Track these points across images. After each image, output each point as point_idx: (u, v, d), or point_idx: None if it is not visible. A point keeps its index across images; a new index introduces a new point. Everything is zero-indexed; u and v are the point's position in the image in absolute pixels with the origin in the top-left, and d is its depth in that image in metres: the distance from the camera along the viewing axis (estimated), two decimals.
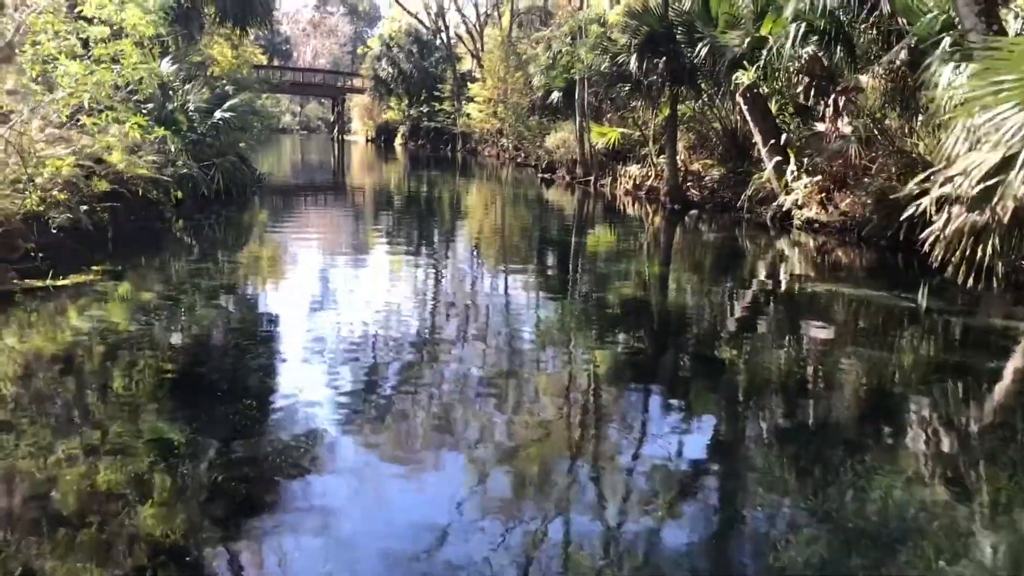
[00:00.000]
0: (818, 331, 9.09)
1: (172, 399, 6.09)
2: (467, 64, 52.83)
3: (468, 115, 45.73)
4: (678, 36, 19.33)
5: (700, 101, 21.43)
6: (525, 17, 49.04)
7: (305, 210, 21.27)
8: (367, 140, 66.64)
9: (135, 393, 6.20)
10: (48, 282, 9.22)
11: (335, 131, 69.24)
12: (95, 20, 11.20)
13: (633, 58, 19.44)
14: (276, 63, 76.49)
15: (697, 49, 18.09)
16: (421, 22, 57.77)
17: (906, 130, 14.30)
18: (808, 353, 8.17)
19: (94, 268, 10.17)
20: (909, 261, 13.09)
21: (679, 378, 7.51)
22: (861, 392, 6.93)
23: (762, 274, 13.05)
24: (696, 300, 10.91)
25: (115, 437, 5.27)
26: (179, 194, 15.71)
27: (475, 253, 15.21)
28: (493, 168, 40.16)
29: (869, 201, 14.60)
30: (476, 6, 54.34)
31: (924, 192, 12.51)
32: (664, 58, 19.15)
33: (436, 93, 52.44)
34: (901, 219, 12.97)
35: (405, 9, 58.03)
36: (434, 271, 12.78)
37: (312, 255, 13.77)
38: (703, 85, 20.09)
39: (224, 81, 20.17)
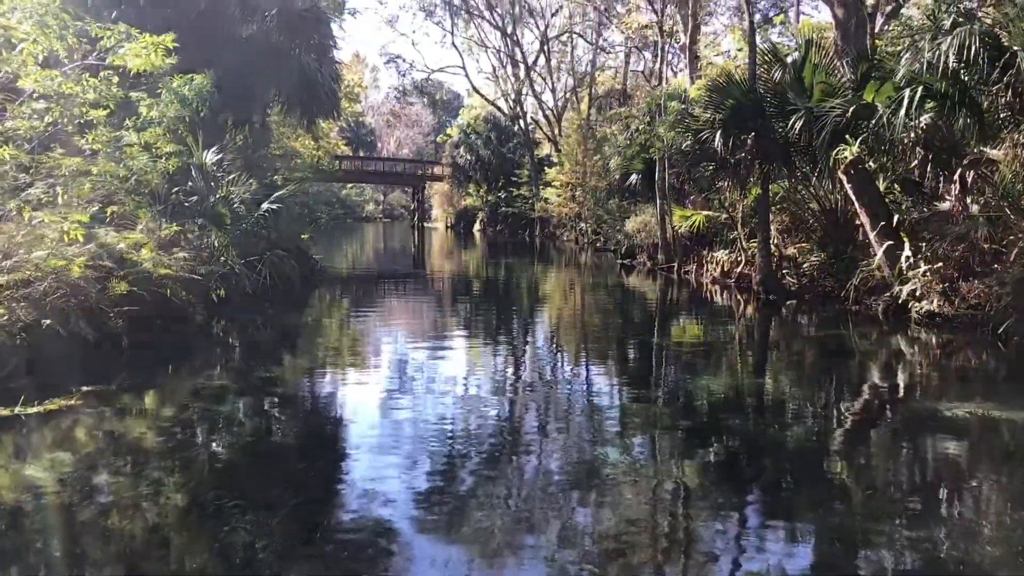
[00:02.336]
0: (967, 487, 6.89)
1: None
2: (545, 149, 52.08)
3: (546, 199, 44.65)
4: (768, 109, 17.52)
5: (794, 179, 19.40)
6: (604, 101, 48.12)
7: (370, 302, 19.80)
8: (447, 227, 66.31)
9: None
10: (18, 409, 7.75)
11: (415, 218, 69.21)
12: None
13: (718, 134, 17.65)
14: (361, 154, 77.71)
15: (790, 122, 16.21)
16: (499, 109, 57.52)
17: None
18: (954, 520, 6.00)
19: (85, 388, 8.69)
20: None
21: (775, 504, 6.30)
22: None
23: (878, 382, 10.82)
24: (797, 413, 8.77)
25: None
26: (221, 292, 14.47)
27: (550, 349, 13.71)
28: (571, 253, 38.63)
29: (1005, 292, 12.31)
30: (553, 92, 53.84)
31: None
32: (753, 134, 17.32)
33: (514, 178, 51.64)
34: None
35: (483, 97, 57.95)
36: (510, 369, 11.55)
37: (367, 364, 12.04)
38: (797, 162, 18.12)
39: (277, 171, 19.08)
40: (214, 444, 7.35)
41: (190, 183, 15.24)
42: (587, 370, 11.76)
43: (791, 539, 5.52)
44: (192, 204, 15.01)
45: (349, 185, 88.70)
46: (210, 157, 15.30)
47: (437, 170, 64.63)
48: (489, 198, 56.51)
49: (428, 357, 12.40)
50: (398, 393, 9.69)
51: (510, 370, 11.50)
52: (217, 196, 15.03)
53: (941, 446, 7.67)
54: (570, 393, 10.09)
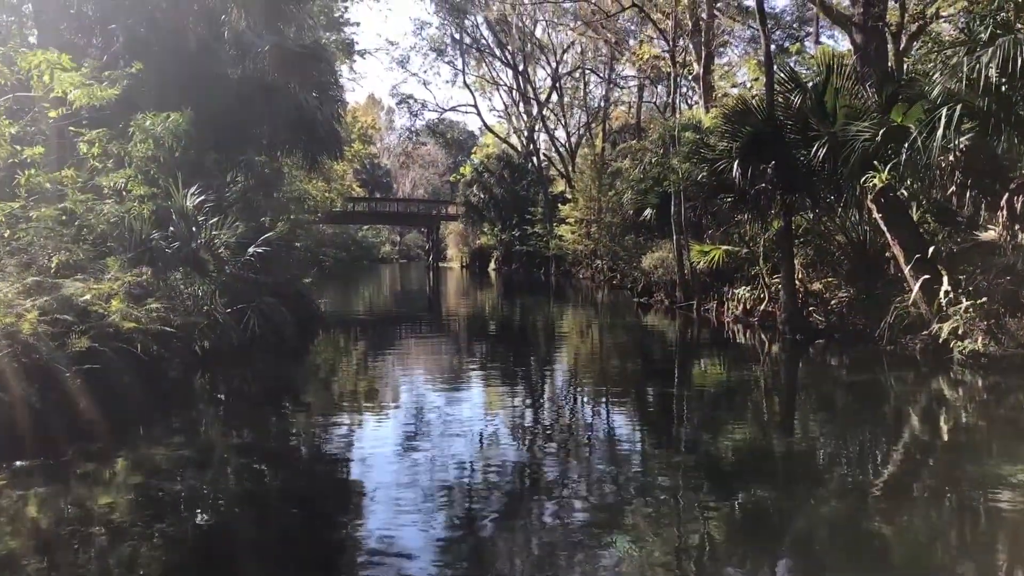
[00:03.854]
0: None
1: None
2: (559, 186, 51.20)
3: (560, 237, 43.65)
4: (788, 136, 16.45)
5: (818, 210, 18.24)
6: (618, 136, 47.30)
7: (377, 349, 18.63)
8: (462, 266, 65.47)
9: None
10: None
11: (430, 259, 68.49)
12: None
13: (735, 164, 16.57)
14: (376, 195, 77.41)
15: (813, 149, 15.10)
16: (512, 147, 56.88)
17: None
18: None
19: (19, 464, 7.62)
20: None
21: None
22: None
23: (924, 437, 9.58)
24: (831, 475, 7.51)
25: None
26: (206, 345, 13.48)
27: (566, 397, 12.78)
28: (587, 291, 37.52)
29: None
30: (566, 128, 53.14)
31: None
32: (772, 162, 16.21)
33: (528, 216, 50.73)
34: None
35: (496, 135, 57.39)
36: (525, 419, 10.76)
37: (358, 423, 10.91)
38: (822, 191, 16.97)
39: (278, 214, 18.12)
40: (158, 535, 6.21)
41: (172, 227, 14.29)
42: (603, 419, 10.80)
43: None
44: (174, 250, 14.04)
45: (365, 227, 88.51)
46: (192, 200, 14.32)
47: (451, 210, 63.97)
48: (503, 236, 55.62)
49: (436, 408, 11.31)
50: (395, 459, 8.54)
51: (525, 420, 10.65)
52: (200, 241, 14.04)
53: (1012, 526, 6.42)
54: (587, 443, 9.30)
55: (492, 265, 59.28)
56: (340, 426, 10.42)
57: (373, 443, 9.31)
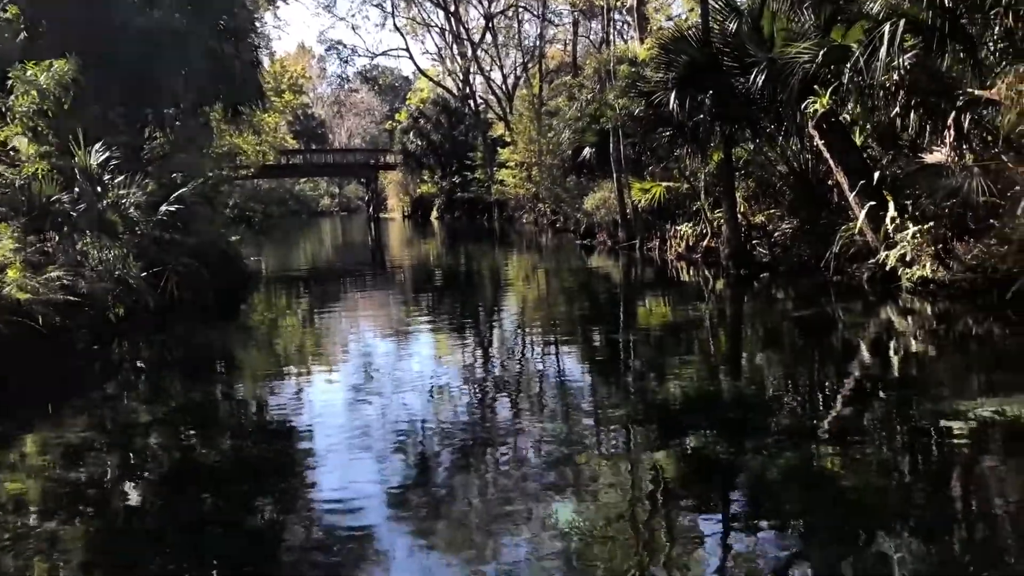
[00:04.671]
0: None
1: None
2: (498, 129, 50.11)
3: (501, 182, 42.85)
4: (725, 65, 15.83)
5: (758, 140, 17.74)
6: (555, 75, 46.28)
7: (312, 306, 17.73)
8: (403, 216, 64.24)
9: None
10: None
11: (370, 210, 67.10)
12: None
13: (672, 96, 15.94)
14: (312, 147, 75.36)
15: (752, 77, 14.50)
16: (448, 91, 55.51)
17: None
18: None
19: None
20: None
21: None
22: None
23: (872, 370, 9.17)
24: (782, 413, 7.01)
25: None
26: (120, 311, 12.62)
27: (513, 340, 12.55)
28: (531, 236, 36.95)
29: (1010, 251, 10.74)
30: (502, 69, 51.93)
31: None
32: (710, 92, 15.61)
33: (468, 162, 49.75)
34: None
35: (430, 79, 55.93)
36: (474, 364, 10.49)
37: (294, 386, 10.19)
38: (761, 120, 16.45)
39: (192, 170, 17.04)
40: (79, 519, 5.48)
41: (77, 188, 13.25)
42: (552, 365, 10.41)
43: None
44: (80, 213, 13.03)
45: (302, 181, 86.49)
46: (96, 158, 13.24)
47: (389, 158, 62.50)
48: (444, 184, 54.57)
49: (384, 362, 10.87)
50: (344, 417, 7.88)
51: (475, 369, 10.21)
52: (107, 201, 13.03)
53: (967, 460, 6.02)
54: (537, 391, 8.94)
55: (434, 214, 58.21)
56: (280, 387, 9.81)
57: (318, 402, 8.77)
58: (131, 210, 13.34)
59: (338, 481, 6.09)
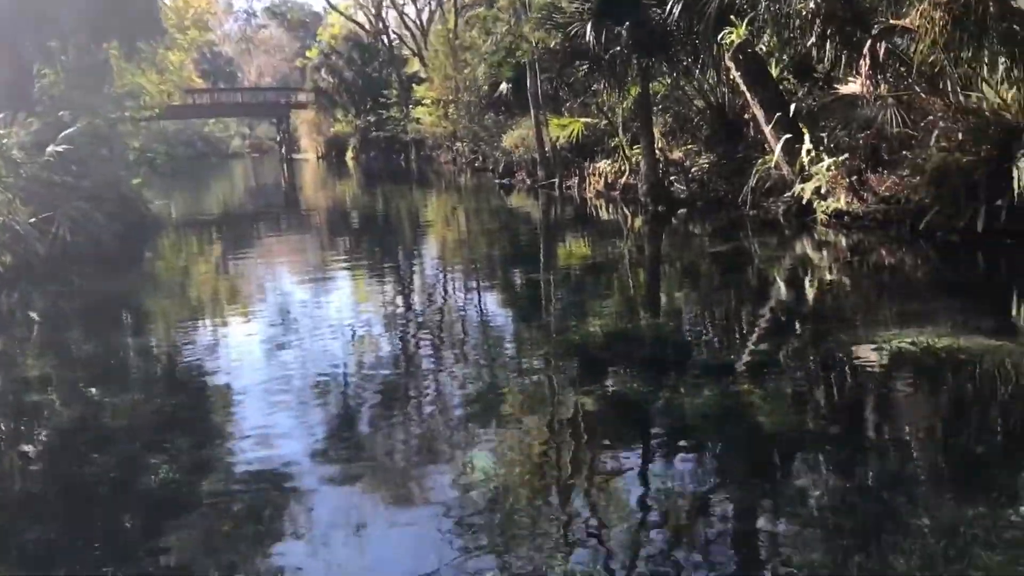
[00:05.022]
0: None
1: None
2: (413, 66, 48.83)
3: (418, 120, 41.85)
4: None
5: (676, 74, 17.52)
6: (471, 8, 45.13)
7: (217, 251, 17.03)
8: (318, 157, 62.43)
9: None
10: None
11: (283, 150, 65.09)
12: None
13: (588, 28, 15.56)
14: (221, 86, 72.52)
15: (668, 7, 14.21)
16: (360, 26, 53.73)
17: (973, 81, 10.52)
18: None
19: None
20: (1009, 262, 9.42)
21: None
22: None
23: (789, 304, 9.13)
24: (701, 349, 6.84)
25: None
26: (6, 259, 11.85)
27: (432, 282, 12.34)
28: (450, 176, 36.38)
29: (923, 182, 10.81)
30: (415, 2, 50.47)
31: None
32: (627, 24, 15.24)
33: (383, 100, 48.33)
34: (977, 202, 9.37)
35: (341, 13, 53.99)
36: (394, 311, 10.02)
37: (188, 338, 9.65)
38: (678, 53, 16.21)
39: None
40: None
41: None
42: (472, 306, 10.15)
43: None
44: None
45: (212, 121, 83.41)
46: None
47: (301, 97, 60.44)
48: (358, 123, 53.04)
49: (301, 307, 10.32)
50: (261, 363, 7.47)
51: (394, 312, 9.90)
52: None
53: (885, 398, 5.97)
54: (457, 333, 8.78)
55: (349, 154, 56.74)
56: (190, 336, 9.24)
57: (232, 351, 8.27)
58: (14, 151, 12.40)
59: (255, 429, 5.76)
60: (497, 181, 27.96)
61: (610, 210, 18.34)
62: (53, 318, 10.63)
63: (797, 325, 8.09)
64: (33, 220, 12.57)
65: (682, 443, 5.20)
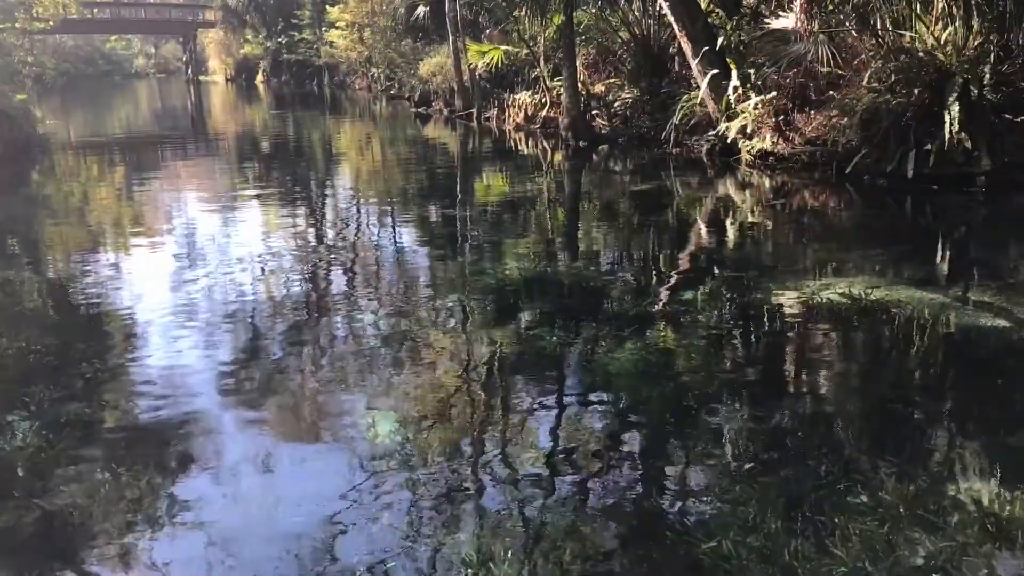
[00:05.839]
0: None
1: None
2: None
3: (331, 43, 40.11)
4: None
5: (600, 3, 16.82)
6: None
7: (123, 180, 15.61)
8: (226, 80, 59.72)
9: None
10: None
11: (189, 71, 62.03)
12: None
13: None
14: (124, 0, 68.41)
15: None
16: None
17: (907, 20, 10.17)
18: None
19: None
20: (937, 208, 9.25)
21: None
22: None
23: (708, 247, 8.72)
24: (616, 293, 6.35)
25: None
26: None
27: (344, 216, 11.53)
28: (364, 103, 35.06)
29: (850, 122, 10.51)
30: None
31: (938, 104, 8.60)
32: None
33: (295, 21, 46.16)
34: (907, 146, 9.11)
35: None
36: (305, 243, 9.40)
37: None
38: None
39: None
40: None
41: None
42: (385, 243, 9.58)
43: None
44: None
45: (114, 38, 79.02)
46: None
47: (209, 15, 57.50)
48: (269, 45, 50.71)
49: (208, 237, 9.71)
50: (166, 294, 6.79)
51: (306, 245, 9.32)
52: None
53: (804, 345, 5.62)
54: (371, 263, 8.49)
55: (260, 77, 54.42)
56: (87, 267, 8.39)
57: (135, 282, 7.73)
58: None
59: (160, 363, 5.44)
60: (413, 110, 26.94)
61: (530, 144, 17.70)
62: None
63: (716, 270, 7.63)
64: None
65: (595, 389, 4.86)
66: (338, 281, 7.88)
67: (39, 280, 8.10)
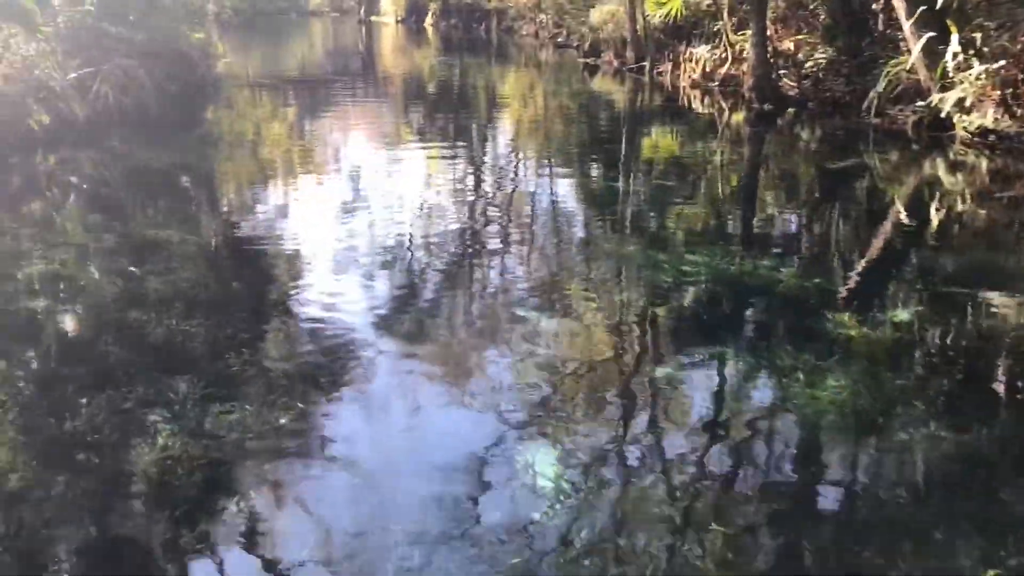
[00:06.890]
0: None
1: None
2: None
3: None
4: None
5: None
6: None
7: (293, 122, 15.70)
8: (397, 21, 60.27)
9: None
10: None
11: (362, 11, 63.02)
12: None
13: None
14: None
15: None
16: None
17: None
18: None
19: None
20: None
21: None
22: None
23: (902, 234, 7.65)
24: (788, 274, 5.86)
25: None
26: (44, 119, 10.89)
27: (506, 165, 11.78)
28: (531, 51, 34.26)
29: None
30: None
31: None
32: None
33: None
34: None
35: None
36: (465, 189, 9.91)
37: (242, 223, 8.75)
38: None
39: None
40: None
41: None
42: (546, 193, 9.66)
43: None
44: None
45: None
46: None
47: None
48: None
49: (373, 178, 10.47)
50: (330, 232, 7.12)
51: (466, 191, 9.88)
52: None
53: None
54: (528, 219, 8.58)
55: (429, 20, 54.50)
56: (249, 207, 9.15)
57: (298, 221, 8.38)
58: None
59: (320, 300, 5.89)
60: (581, 60, 25.94)
61: (706, 103, 16.51)
62: (96, 182, 10.09)
63: (937, 284, 6.44)
64: (73, 77, 11.47)
65: (748, 357, 4.83)
66: (495, 231, 8.10)
67: (195, 220, 8.39)
